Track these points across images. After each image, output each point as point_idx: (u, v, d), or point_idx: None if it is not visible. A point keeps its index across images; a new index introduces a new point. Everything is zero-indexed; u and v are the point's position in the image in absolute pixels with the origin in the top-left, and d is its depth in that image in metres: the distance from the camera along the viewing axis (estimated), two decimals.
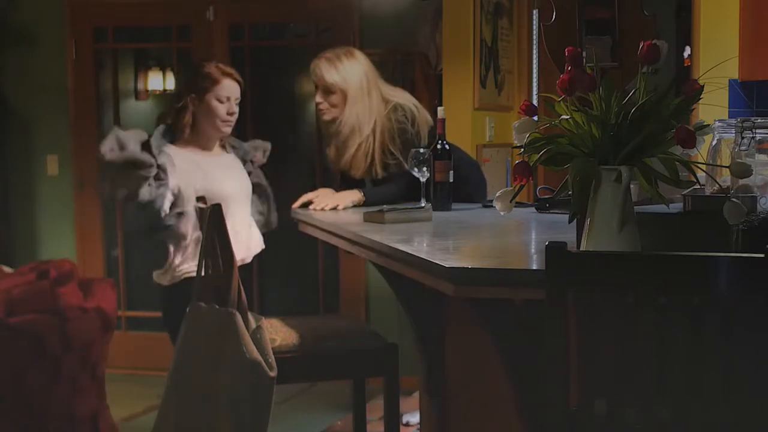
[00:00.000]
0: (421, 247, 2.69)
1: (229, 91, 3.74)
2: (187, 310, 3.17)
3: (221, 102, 3.72)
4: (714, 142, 2.35)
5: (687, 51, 5.01)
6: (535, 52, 5.68)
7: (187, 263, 3.63)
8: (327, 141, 4.03)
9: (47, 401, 3.88)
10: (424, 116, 3.89)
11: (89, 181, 6.00)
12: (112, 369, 4.60)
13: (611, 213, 1.99)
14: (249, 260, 3.85)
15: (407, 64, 5.53)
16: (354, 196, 3.79)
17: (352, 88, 3.84)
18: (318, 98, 3.89)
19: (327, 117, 3.90)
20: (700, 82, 2.03)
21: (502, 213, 2.17)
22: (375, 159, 3.85)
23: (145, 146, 3.60)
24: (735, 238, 2.06)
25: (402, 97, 3.93)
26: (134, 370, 5.77)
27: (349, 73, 3.85)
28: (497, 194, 2.15)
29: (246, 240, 3.78)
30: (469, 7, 4.87)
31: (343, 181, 4.03)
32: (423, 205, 3.51)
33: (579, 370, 1.90)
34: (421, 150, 3.63)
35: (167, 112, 3.85)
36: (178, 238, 3.63)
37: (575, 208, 2.10)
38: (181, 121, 3.71)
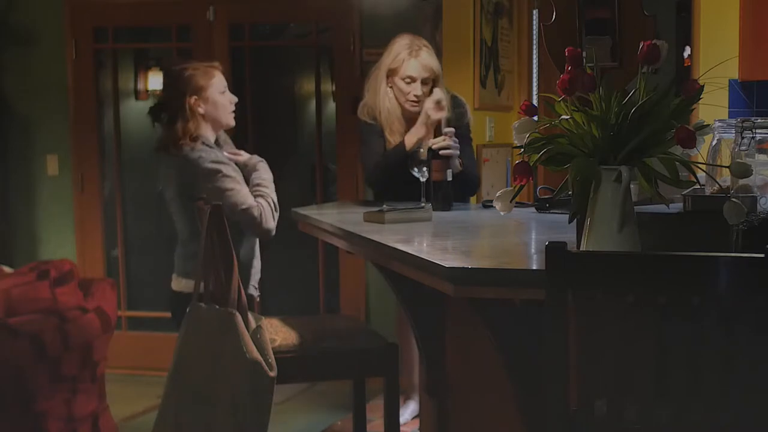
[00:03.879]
0: (421, 247, 2.69)
1: (223, 81, 3.74)
2: (187, 310, 3.17)
3: (223, 93, 3.72)
4: (714, 142, 2.35)
5: (687, 51, 5.01)
6: (535, 52, 5.68)
7: None
8: (389, 130, 3.99)
9: (47, 401, 3.88)
10: None
11: (89, 181, 6.00)
12: (112, 369, 4.60)
13: (611, 213, 2.00)
14: None
15: None
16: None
17: (440, 72, 3.98)
18: (417, 90, 3.90)
19: (418, 108, 3.91)
20: (700, 82, 2.03)
21: (502, 213, 2.17)
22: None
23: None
24: (735, 238, 2.06)
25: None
26: (134, 370, 5.76)
27: (435, 56, 3.93)
28: (497, 194, 2.15)
29: None
30: (469, 7, 4.88)
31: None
32: (423, 205, 3.52)
33: (579, 370, 1.90)
34: (420, 150, 3.64)
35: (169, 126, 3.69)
36: None
37: (575, 208, 2.10)
38: (186, 124, 3.66)
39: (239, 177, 3.62)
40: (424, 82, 3.89)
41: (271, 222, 3.59)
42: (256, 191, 3.63)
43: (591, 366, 1.90)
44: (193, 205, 3.40)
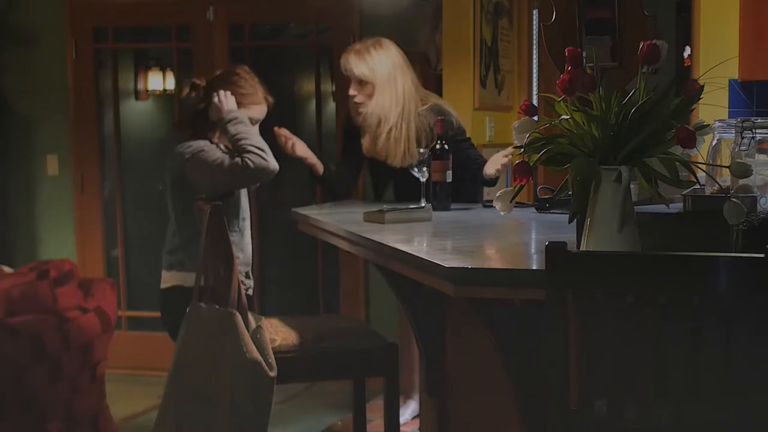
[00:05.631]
0: (421, 247, 2.69)
1: (261, 114, 3.70)
2: (187, 310, 3.17)
3: (251, 122, 3.63)
4: (714, 142, 2.35)
5: (687, 51, 5.01)
6: (535, 52, 5.68)
7: None
8: (362, 132, 4.08)
9: (47, 401, 3.88)
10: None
11: (89, 181, 6.00)
12: (112, 369, 4.60)
13: (611, 213, 2.00)
14: None
15: None
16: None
17: (380, 79, 3.93)
18: (352, 91, 3.96)
19: (362, 109, 3.95)
20: (700, 82, 2.03)
21: (502, 213, 2.17)
22: (410, 147, 3.88)
23: None
24: (735, 238, 2.06)
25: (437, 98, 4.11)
26: (134, 370, 5.76)
27: (377, 64, 3.93)
28: (497, 194, 2.15)
29: None
30: (469, 7, 4.87)
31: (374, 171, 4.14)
32: (423, 205, 3.52)
33: (579, 370, 1.90)
34: (421, 150, 3.64)
35: (192, 111, 3.69)
36: None
37: (575, 208, 2.10)
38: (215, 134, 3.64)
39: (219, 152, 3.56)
40: (358, 84, 3.95)
41: (264, 162, 3.49)
42: (238, 147, 3.51)
43: (591, 366, 1.90)
44: (193, 205, 3.39)
